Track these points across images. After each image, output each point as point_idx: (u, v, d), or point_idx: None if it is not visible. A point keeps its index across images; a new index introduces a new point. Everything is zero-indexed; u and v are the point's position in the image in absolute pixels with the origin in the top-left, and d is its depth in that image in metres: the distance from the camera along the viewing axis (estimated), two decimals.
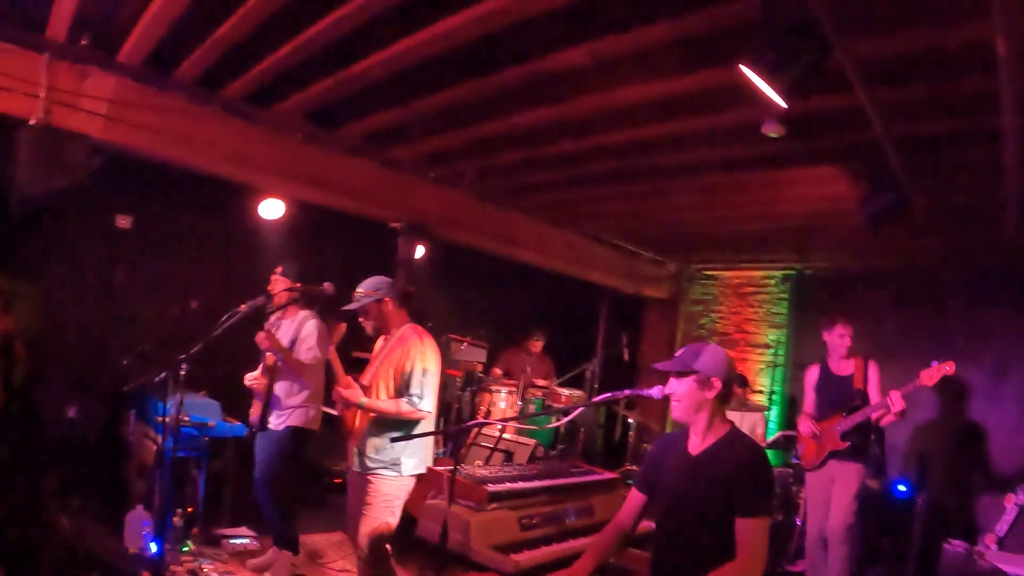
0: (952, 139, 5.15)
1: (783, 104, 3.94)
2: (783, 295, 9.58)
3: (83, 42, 4.85)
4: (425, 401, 4.47)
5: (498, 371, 8.94)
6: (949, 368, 5.45)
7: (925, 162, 5.49)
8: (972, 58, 3.89)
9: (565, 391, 8.38)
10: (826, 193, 6.60)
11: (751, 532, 3.04)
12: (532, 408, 8.12)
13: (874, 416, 5.77)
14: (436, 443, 5.56)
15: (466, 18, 4.24)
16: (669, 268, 10.30)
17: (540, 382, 8.55)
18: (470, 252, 8.28)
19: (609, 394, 3.70)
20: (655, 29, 4.17)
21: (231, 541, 6.03)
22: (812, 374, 6.37)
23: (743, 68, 3.80)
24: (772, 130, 5.12)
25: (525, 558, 3.91)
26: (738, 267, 9.93)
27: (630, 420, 8.63)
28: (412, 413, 4.44)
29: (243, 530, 6.21)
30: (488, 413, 8.01)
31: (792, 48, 3.68)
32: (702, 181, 6.81)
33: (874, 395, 5.94)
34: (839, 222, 7.34)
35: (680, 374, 3.30)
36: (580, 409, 3.92)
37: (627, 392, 3.68)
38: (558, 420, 6.01)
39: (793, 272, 9.45)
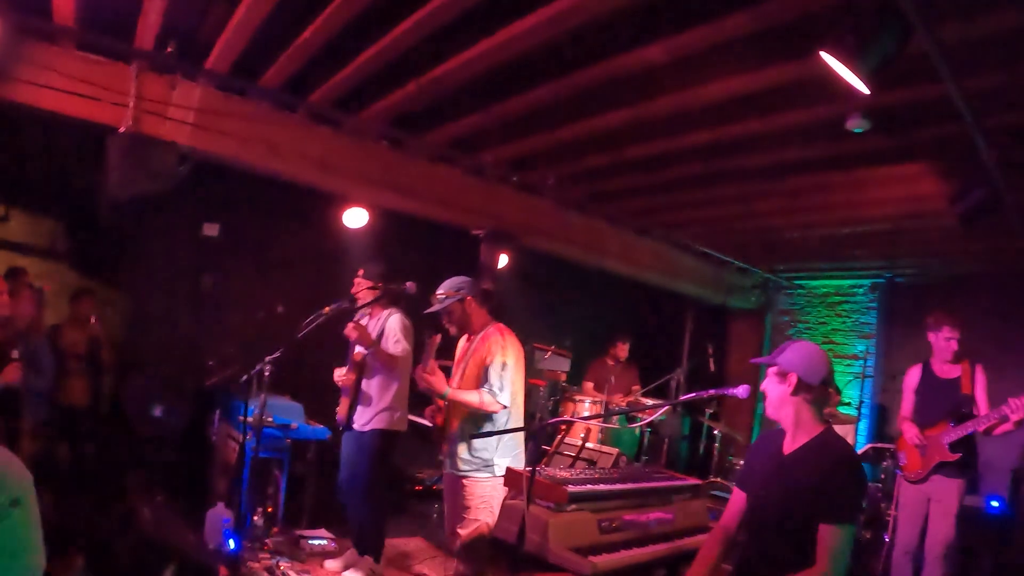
0: None
1: (866, 90, 3.80)
2: (872, 304, 9.29)
3: (168, 50, 4.96)
4: (504, 394, 4.43)
5: (589, 384, 8.86)
6: None
7: (1018, 155, 5.24)
8: None
9: (649, 402, 8.27)
10: (914, 193, 6.38)
11: (832, 539, 2.89)
12: (615, 420, 8.03)
13: (984, 426, 5.31)
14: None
15: (541, 18, 4.23)
16: (755, 278, 10.09)
17: (623, 395, 8.47)
18: (554, 260, 8.25)
19: (694, 393, 3.62)
20: (733, 20, 4.08)
21: (310, 542, 6.06)
22: (913, 375, 5.97)
23: (823, 55, 3.69)
24: (856, 125, 4.98)
25: (603, 561, 3.81)
26: (825, 276, 9.68)
27: (716, 431, 8.45)
28: (490, 404, 4.41)
29: (322, 531, 6.25)
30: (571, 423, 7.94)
31: (874, 31, 3.57)
32: (787, 184, 6.66)
33: (982, 402, 5.52)
34: (929, 224, 7.09)
35: (779, 375, 3.20)
36: (665, 407, 3.86)
37: (711, 391, 3.60)
38: (640, 422, 5.91)
39: (882, 280, 9.15)
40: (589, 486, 4.20)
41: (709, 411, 8.42)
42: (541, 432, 3.63)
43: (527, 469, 3.61)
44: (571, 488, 4.01)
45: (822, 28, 3.88)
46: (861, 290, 9.39)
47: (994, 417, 5.23)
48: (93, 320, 6.91)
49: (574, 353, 8.92)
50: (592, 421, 6.13)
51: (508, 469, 4.40)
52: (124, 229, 7.13)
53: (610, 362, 8.96)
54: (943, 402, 5.64)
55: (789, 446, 3.21)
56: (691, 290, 9.75)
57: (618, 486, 4.43)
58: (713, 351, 8.76)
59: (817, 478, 2.97)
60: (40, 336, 6.07)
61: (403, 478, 7.92)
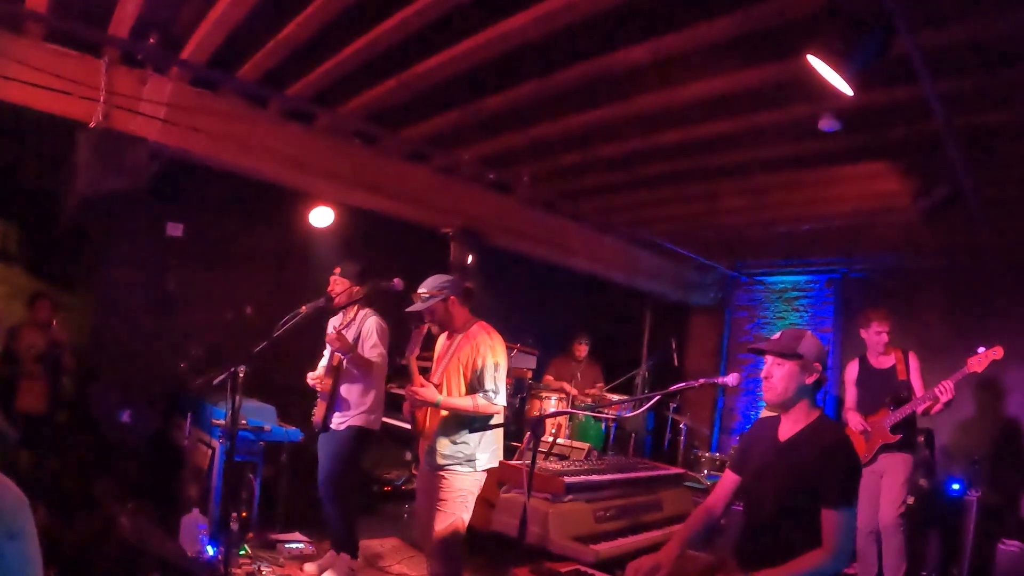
0: (1009, 129, 5.10)
1: (850, 92, 3.91)
2: (828, 299, 9.48)
3: (151, 41, 4.84)
4: (500, 396, 4.43)
5: (549, 378, 8.90)
6: (997, 353, 5.45)
7: (981, 154, 5.43)
8: None
9: (615, 397, 8.34)
10: (876, 190, 6.57)
11: (836, 522, 2.97)
12: (581, 415, 8.08)
13: (922, 408, 5.73)
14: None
15: (529, 17, 4.23)
16: (715, 274, 10.23)
17: (589, 390, 8.54)
18: (518, 258, 8.26)
19: (683, 384, 3.66)
20: (719, 23, 4.15)
21: (286, 545, 5.98)
22: (852, 369, 6.36)
23: (810, 57, 3.79)
24: (828, 125, 5.10)
25: (603, 548, 3.86)
26: (783, 272, 9.84)
27: (681, 425, 8.56)
28: (488, 408, 4.41)
29: (297, 535, 6.17)
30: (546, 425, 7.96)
31: (859, 35, 3.67)
32: (753, 181, 6.79)
33: (917, 386, 5.93)
34: (887, 219, 7.32)
35: (783, 356, 3.23)
36: (657, 397, 3.85)
37: (702, 380, 3.64)
38: (636, 409, 5.97)
39: (838, 276, 9.35)
40: (583, 477, 4.25)
41: (673, 405, 8.51)
42: (538, 425, 3.63)
43: (525, 462, 3.63)
44: (567, 479, 4.06)
45: (803, 32, 3.97)
46: (818, 285, 9.58)
47: (928, 399, 5.66)
48: (54, 323, 6.74)
49: (539, 351, 8.95)
50: (584, 412, 6.14)
51: (502, 463, 4.41)
52: (86, 229, 6.96)
53: (573, 359, 9.03)
54: (881, 390, 6.06)
55: (786, 432, 3.27)
56: (652, 287, 9.83)
57: (609, 476, 4.48)
58: (676, 346, 8.85)
59: (816, 463, 3.04)
60: None
61: (372, 479, 7.86)
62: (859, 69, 3.73)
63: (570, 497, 4.05)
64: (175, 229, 7.27)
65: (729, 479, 3.53)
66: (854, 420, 6.05)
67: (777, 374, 3.22)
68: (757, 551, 3.19)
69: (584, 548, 3.75)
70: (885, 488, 5.88)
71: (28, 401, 6.57)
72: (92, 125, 5.04)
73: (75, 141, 5.04)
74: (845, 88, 3.87)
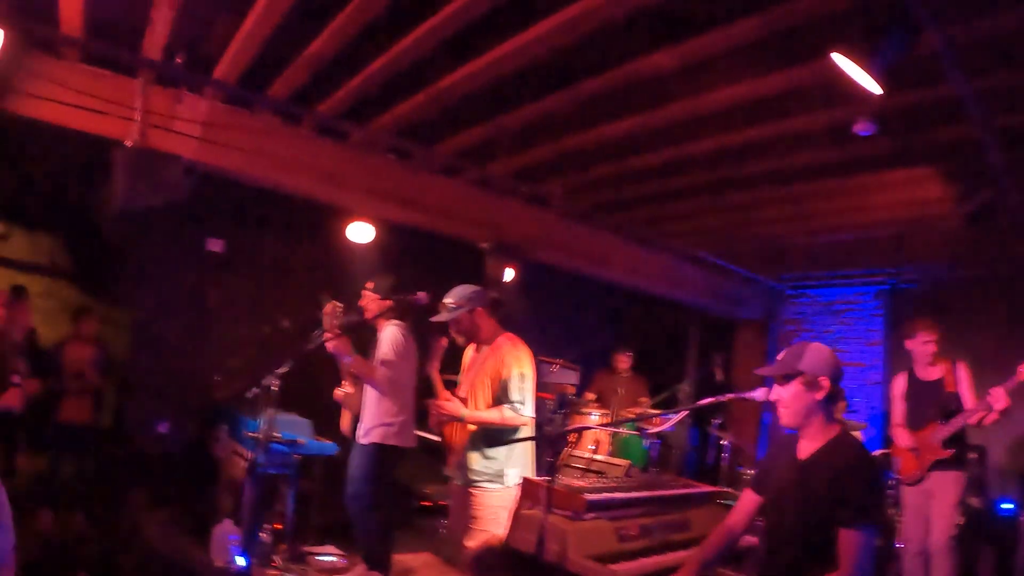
0: None
1: (878, 91, 3.81)
2: (877, 312, 9.25)
3: (178, 60, 4.92)
4: (527, 407, 4.41)
5: (591, 395, 8.83)
6: None
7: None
8: None
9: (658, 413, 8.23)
10: (919, 196, 6.41)
11: (853, 544, 2.85)
12: (623, 431, 8.01)
13: (974, 419, 5.49)
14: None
15: (553, 24, 4.21)
16: (760, 287, 10.05)
17: (632, 408, 8.45)
18: (559, 272, 8.21)
19: (712, 398, 3.58)
20: (744, 25, 4.09)
21: (318, 558, 6.00)
22: (899, 383, 6.14)
23: (835, 56, 3.70)
24: (864, 129, 4.98)
25: (623, 569, 3.77)
26: (830, 284, 9.63)
27: (723, 442, 8.40)
28: (515, 420, 4.37)
29: (330, 548, 6.18)
30: (580, 436, 7.90)
31: (885, 30, 3.58)
32: (792, 190, 6.66)
33: (968, 398, 5.67)
34: (933, 227, 7.12)
35: (785, 378, 3.13)
36: (684, 412, 3.79)
37: (730, 396, 3.57)
38: (666, 424, 5.88)
39: (886, 287, 9.12)
40: (606, 494, 4.15)
41: (717, 421, 8.35)
42: (559, 440, 3.59)
43: (545, 478, 3.58)
44: (589, 496, 3.97)
45: (830, 31, 3.89)
46: (866, 297, 9.35)
47: (981, 409, 5.42)
48: (96, 337, 6.87)
49: (581, 366, 8.87)
50: (608, 428, 6.06)
51: (524, 479, 4.36)
52: (127, 245, 7.09)
53: (616, 374, 8.94)
54: (930, 403, 5.82)
55: (805, 450, 3.17)
56: (695, 300, 9.69)
57: (635, 494, 4.38)
58: (721, 361, 8.71)
59: (835, 482, 2.93)
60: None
61: (408, 494, 7.84)
62: (885, 66, 3.64)
63: (592, 515, 3.95)
64: (215, 245, 7.39)
65: (749, 499, 3.43)
66: (901, 437, 5.87)
67: (784, 396, 3.12)
68: (777, 572, 3.10)
69: (602, 568, 3.65)
70: (935, 509, 5.65)
71: (70, 412, 6.68)
72: (128, 144, 5.15)
73: (113, 159, 5.14)
74: (874, 87, 3.78)
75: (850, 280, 9.33)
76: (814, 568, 2.92)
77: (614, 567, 3.72)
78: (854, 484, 2.93)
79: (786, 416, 3.16)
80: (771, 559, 3.19)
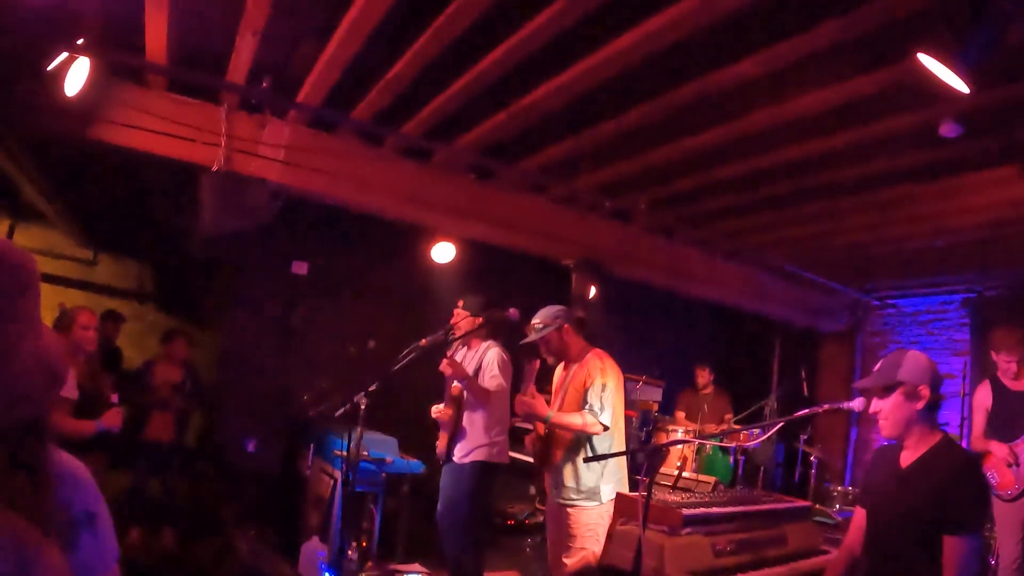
0: None
1: (966, 89, 3.69)
2: (964, 320, 8.97)
3: (264, 85, 5.02)
4: (604, 414, 4.38)
5: (680, 414, 8.75)
6: None
7: None
8: None
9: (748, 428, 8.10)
10: (1006, 197, 6.16)
11: (959, 552, 2.77)
12: (708, 448, 7.91)
13: None
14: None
15: (636, 38, 4.19)
16: (844, 298, 9.84)
17: (717, 424, 8.34)
18: (640, 288, 8.15)
19: (807, 410, 3.51)
20: (825, 28, 4.00)
21: None
22: (983, 393, 5.87)
23: (920, 56, 3.60)
24: (950, 130, 4.84)
25: None
26: (915, 293, 9.38)
27: (811, 457, 8.22)
28: (592, 425, 4.35)
29: (416, 566, 6.18)
30: (666, 453, 7.81)
31: (972, 26, 3.47)
32: (877, 196, 6.49)
33: None
34: (1021, 230, 6.84)
35: (885, 389, 3.05)
36: (780, 424, 3.68)
37: (826, 406, 3.51)
38: (757, 438, 5.78)
39: (973, 295, 8.84)
40: (702, 509, 4.10)
41: (804, 436, 8.16)
42: (656, 454, 3.54)
43: (642, 494, 3.54)
44: (685, 511, 3.92)
45: (913, 31, 3.79)
46: (952, 306, 9.08)
47: None
48: (184, 359, 7.03)
49: (665, 382, 8.78)
50: (706, 441, 5.98)
51: (619, 494, 4.34)
52: (216, 268, 7.27)
53: (699, 391, 8.84)
54: (1020, 413, 5.54)
55: (907, 459, 3.08)
56: (778, 313, 9.53)
57: (730, 509, 4.31)
58: (807, 374, 8.52)
59: (938, 489, 2.86)
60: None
61: (494, 512, 7.83)
62: (973, 64, 3.53)
63: (688, 530, 3.90)
64: (300, 267, 7.52)
65: (859, 515, 3.35)
66: (1000, 450, 5.55)
67: (884, 408, 3.04)
68: None
69: None
70: None
71: (157, 431, 6.82)
72: (215, 169, 5.28)
73: (199, 184, 5.27)
74: (961, 86, 3.66)
75: (936, 289, 9.07)
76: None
77: None
78: (960, 491, 2.85)
79: (887, 427, 3.08)
80: (875, 569, 3.11)
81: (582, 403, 4.43)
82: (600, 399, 4.40)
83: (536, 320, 4.70)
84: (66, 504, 1.37)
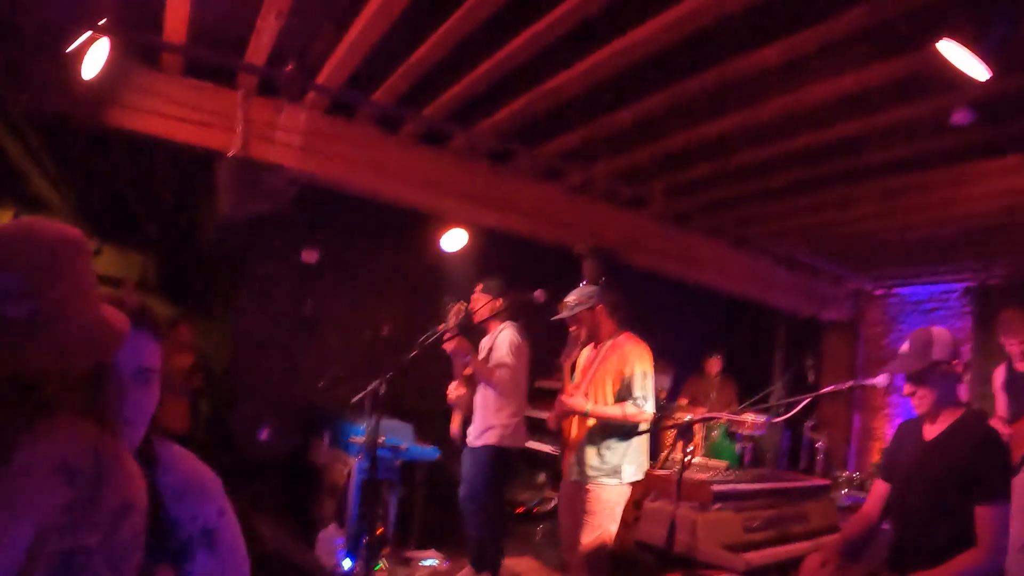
0: None
1: (986, 76, 3.73)
2: (965, 309, 9.04)
3: (288, 68, 4.98)
4: (649, 404, 4.43)
5: (684, 400, 8.79)
6: None
7: None
8: None
9: (749, 416, 8.12)
10: (1015, 186, 6.21)
11: (992, 520, 2.87)
12: (715, 434, 7.94)
13: None
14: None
15: (657, 26, 4.19)
16: (848, 287, 9.90)
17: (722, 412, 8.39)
18: (650, 276, 8.16)
19: (832, 387, 3.58)
20: (850, 16, 4.01)
21: (421, 563, 6.04)
22: (999, 375, 6.10)
23: (941, 44, 3.64)
24: (962, 118, 4.89)
25: (753, 557, 3.76)
26: (918, 282, 9.44)
27: (818, 444, 8.27)
28: (638, 416, 4.39)
29: (432, 552, 6.22)
30: (673, 441, 7.84)
31: (992, 11, 3.52)
32: (886, 184, 6.51)
33: None
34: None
35: (922, 372, 3.09)
36: (807, 399, 3.71)
37: (851, 383, 3.62)
38: (779, 416, 5.83)
39: (975, 284, 8.90)
40: (732, 485, 4.15)
41: (810, 423, 8.21)
42: (688, 431, 3.57)
43: (674, 470, 3.58)
44: (716, 487, 3.97)
45: (934, 18, 3.82)
46: (955, 295, 9.15)
47: None
48: (191, 345, 6.99)
49: (673, 369, 8.82)
50: (741, 415, 6.08)
51: (648, 472, 4.38)
52: (224, 257, 7.23)
53: (707, 378, 8.92)
54: None
55: (931, 432, 3.17)
56: (783, 302, 9.55)
57: (758, 485, 4.37)
58: (812, 362, 8.60)
59: (966, 460, 2.95)
60: None
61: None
62: (993, 50, 3.56)
63: (718, 506, 3.96)
64: (310, 256, 7.50)
65: (881, 487, 3.43)
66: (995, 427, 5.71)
67: (922, 388, 3.10)
68: (910, 556, 3.09)
69: (735, 557, 3.65)
70: None
71: (170, 420, 6.79)
72: (231, 154, 5.25)
73: (213, 170, 5.25)
74: (980, 73, 3.69)
75: (939, 277, 9.14)
76: (948, 547, 2.92)
77: (746, 556, 3.72)
78: (988, 460, 2.95)
79: (923, 405, 3.15)
80: (903, 542, 3.19)
81: (623, 392, 4.46)
82: (643, 388, 4.46)
83: (570, 298, 4.75)
84: (187, 519, 1.50)
